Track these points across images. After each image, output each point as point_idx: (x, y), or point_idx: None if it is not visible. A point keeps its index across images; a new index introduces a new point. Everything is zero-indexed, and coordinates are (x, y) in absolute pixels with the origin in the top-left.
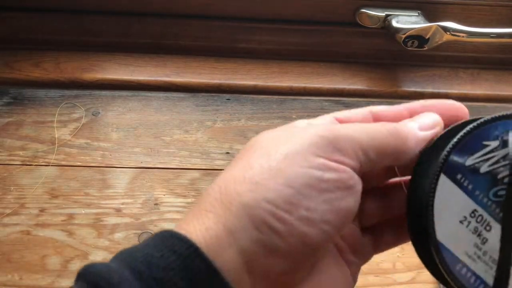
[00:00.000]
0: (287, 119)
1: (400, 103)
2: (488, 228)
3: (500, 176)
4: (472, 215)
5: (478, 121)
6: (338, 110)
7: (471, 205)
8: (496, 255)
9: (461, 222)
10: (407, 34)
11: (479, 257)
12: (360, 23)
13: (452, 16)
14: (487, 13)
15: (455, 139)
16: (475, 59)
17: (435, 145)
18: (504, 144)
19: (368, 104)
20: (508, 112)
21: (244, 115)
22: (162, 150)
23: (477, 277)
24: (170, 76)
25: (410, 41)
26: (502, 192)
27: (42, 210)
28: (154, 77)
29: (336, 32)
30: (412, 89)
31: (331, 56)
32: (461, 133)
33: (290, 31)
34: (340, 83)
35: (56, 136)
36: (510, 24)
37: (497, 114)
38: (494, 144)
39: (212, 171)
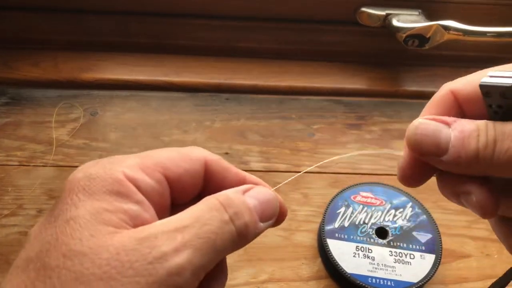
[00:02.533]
0: (287, 119)
1: (400, 102)
2: (370, 250)
3: (357, 222)
4: (357, 249)
5: (330, 201)
6: (338, 109)
7: (352, 245)
8: (384, 262)
9: (354, 256)
10: (407, 33)
11: (376, 268)
12: (361, 22)
13: (453, 15)
14: (488, 12)
15: (322, 218)
16: (476, 58)
17: None
18: (347, 206)
19: (368, 103)
20: (341, 189)
21: (243, 115)
22: None
23: (383, 279)
24: (169, 76)
25: (411, 40)
26: (365, 228)
27: (40, 211)
28: (153, 77)
29: (336, 31)
30: (413, 88)
31: (331, 56)
32: (325, 211)
33: (290, 30)
34: (340, 82)
35: (54, 136)
36: (511, 23)
37: (336, 193)
38: (342, 209)
39: None
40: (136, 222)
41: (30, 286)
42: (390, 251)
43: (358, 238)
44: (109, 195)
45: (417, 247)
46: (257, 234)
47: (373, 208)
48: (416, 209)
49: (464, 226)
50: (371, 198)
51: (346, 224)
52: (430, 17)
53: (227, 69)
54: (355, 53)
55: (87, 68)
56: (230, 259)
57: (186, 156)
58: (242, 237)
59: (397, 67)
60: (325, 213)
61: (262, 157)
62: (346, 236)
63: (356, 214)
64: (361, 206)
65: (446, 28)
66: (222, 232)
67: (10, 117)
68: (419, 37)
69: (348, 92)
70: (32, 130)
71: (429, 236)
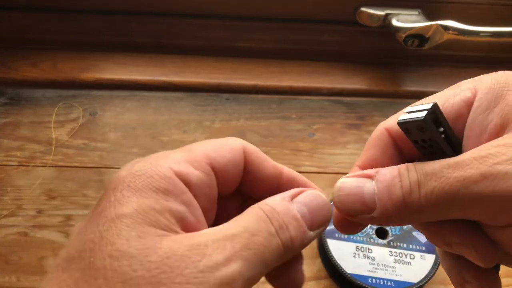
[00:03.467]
0: (287, 119)
1: (400, 102)
2: (370, 251)
3: None
4: (357, 249)
5: (329, 201)
6: (338, 109)
7: (352, 245)
8: (384, 263)
9: (354, 256)
10: (407, 33)
11: (376, 269)
12: (360, 22)
13: (453, 14)
14: (488, 11)
15: None
16: (476, 58)
17: None
18: None
19: (368, 103)
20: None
21: (243, 115)
22: (160, 151)
23: (383, 279)
24: (169, 76)
25: (411, 40)
26: (365, 229)
27: (39, 211)
28: (153, 77)
29: (336, 31)
30: (413, 88)
31: (331, 55)
32: None
33: (289, 30)
34: (340, 82)
35: (54, 136)
36: (510, 22)
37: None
38: None
39: None
40: (183, 224)
41: (73, 287)
42: (390, 251)
43: (358, 238)
44: (156, 192)
45: (417, 247)
46: (306, 243)
47: None
48: None
49: None
50: None
51: None
52: (429, 17)
53: (227, 69)
54: (355, 53)
55: (87, 68)
56: None
57: (228, 146)
58: (288, 249)
59: (397, 67)
60: None
61: None
62: (346, 236)
63: None
64: None
65: (446, 28)
66: (270, 244)
67: (10, 117)
68: (419, 37)
69: (348, 92)
70: (31, 130)
71: None
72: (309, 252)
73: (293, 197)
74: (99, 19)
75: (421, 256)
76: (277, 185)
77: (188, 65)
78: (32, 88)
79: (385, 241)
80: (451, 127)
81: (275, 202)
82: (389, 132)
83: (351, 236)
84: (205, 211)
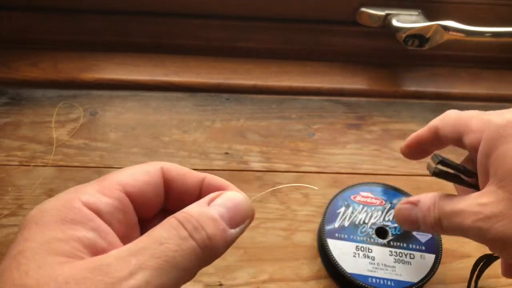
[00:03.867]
0: (287, 119)
1: (400, 102)
2: (370, 250)
3: (357, 221)
4: (357, 249)
5: (330, 201)
6: (338, 109)
7: (352, 244)
8: (384, 262)
9: (354, 256)
10: (407, 33)
11: (376, 268)
12: (360, 22)
13: (453, 15)
14: (488, 12)
15: (322, 218)
16: (476, 58)
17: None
18: (347, 206)
19: (368, 103)
20: (342, 189)
21: (243, 115)
22: (160, 151)
23: (383, 279)
24: (169, 76)
25: (411, 40)
26: (365, 228)
27: None
28: (153, 77)
29: (336, 32)
30: (413, 88)
31: (331, 56)
32: (325, 210)
33: (290, 30)
34: (340, 82)
35: (54, 136)
36: (511, 22)
37: (336, 192)
38: (342, 209)
39: (211, 172)
40: (92, 250)
41: None
42: (390, 251)
43: (358, 238)
44: (61, 223)
45: (417, 247)
46: (229, 242)
47: (373, 208)
48: None
49: None
50: (371, 198)
51: (346, 224)
52: (430, 17)
53: (227, 69)
54: (355, 53)
55: (87, 68)
56: (230, 259)
57: (143, 169)
58: (208, 249)
59: (397, 67)
60: (325, 213)
61: (262, 157)
62: (346, 236)
63: (356, 214)
64: (361, 206)
65: (446, 28)
66: (182, 249)
67: (10, 117)
68: (419, 37)
69: (348, 92)
70: (32, 130)
71: (429, 236)
72: (309, 252)
73: (210, 201)
74: (99, 19)
75: (421, 256)
76: (198, 195)
77: (188, 65)
78: (32, 88)
79: (385, 241)
80: (462, 165)
81: (191, 208)
82: (437, 130)
83: (351, 236)
84: (124, 237)
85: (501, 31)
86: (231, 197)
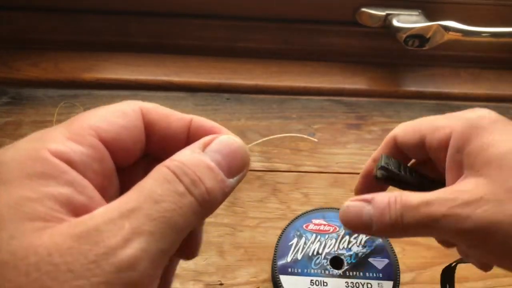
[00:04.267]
0: (287, 119)
1: (400, 102)
2: (325, 284)
3: (310, 253)
4: (312, 283)
5: (281, 232)
6: (339, 109)
7: (306, 279)
8: None
9: None
10: (408, 33)
11: None
12: (361, 22)
13: (453, 15)
14: (488, 12)
15: (274, 252)
16: (476, 58)
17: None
18: (299, 236)
19: (368, 103)
20: (292, 219)
21: (243, 114)
22: None
23: None
24: (170, 76)
25: (411, 41)
26: (319, 260)
27: None
28: (153, 77)
29: (337, 32)
30: (413, 88)
31: (331, 56)
32: (276, 244)
33: (290, 30)
34: (341, 82)
35: None
36: (511, 23)
37: (288, 223)
38: (294, 241)
39: None
40: (71, 208)
41: None
42: (346, 282)
43: (313, 270)
44: (29, 179)
45: (374, 274)
46: (227, 193)
47: (327, 236)
48: None
49: None
50: (324, 225)
51: (299, 256)
52: (430, 17)
53: (228, 69)
54: (355, 53)
55: (88, 68)
56: (231, 258)
57: (118, 111)
58: (206, 204)
59: (397, 67)
60: (276, 246)
61: (263, 156)
62: (299, 270)
63: (309, 245)
64: (314, 235)
65: (446, 28)
66: (180, 207)
67: (11, 117)
68: (419, 37)
69: (348, 92)
70: (33, 130)
71: (385, 261)
72: None
73: (205, 146)
74: (100, 19)
75: (378, 284)
76: (186, 139)
77: (189, 65)
78: (33, 87)
79: (340, 271)
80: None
81: (183, 156)
82: (395, 140)
83: (305, 270)
84: (101, 188)
85: (501, 31)
86: (228, 142)
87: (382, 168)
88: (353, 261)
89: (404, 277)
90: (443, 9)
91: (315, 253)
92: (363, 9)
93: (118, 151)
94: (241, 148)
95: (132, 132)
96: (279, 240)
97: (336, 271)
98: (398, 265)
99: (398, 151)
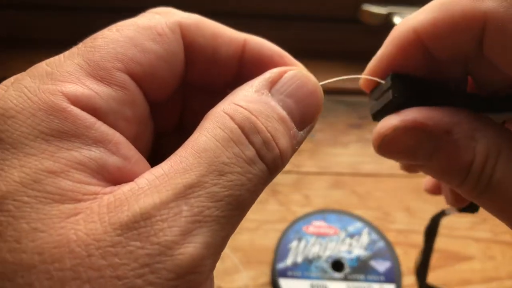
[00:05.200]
0: None
1: None
2: (325, 287)
3: (311, 256)
4: (312, 287)
5: (281, 235)
6: (339, 109)
7: (306, 282)
8: None
9: None
10: None
11: None
12: (362, 20)
13: None
14: None
15: (274, 255)
16: None
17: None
18: (299, 239)
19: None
20: (292, 221)
21: None
22: None
23: None
24: None
25: None
26: (319, 263)
27: None
28: None
29: (338, 30)
30: None
31: (332, 54)
32: (276, 247)
33: (290, 28)
34: (342, 81)
35: None
36: None
37: (287, 225)
38: (294, 243)
39: None
40: (104, 175)
41: None
42: (347, 285)
43: (313, 274)
44: (46, 141)
45: (376, 277)
46: (296, 149)
47: (327, 239)
48: (373, 235)
49: (467, 228)
50: (324, 227)
51: (299, 259)
52: None
53: None
54: (356, 52)
55: None
56: (230, 261)
57: (153, 31)
58: (275, 170)
59: None
60: (276, 249)
61: None
62: (299, 274)
63: (310, 247)
64: (314, 238)
65: None
66: (249, 179)
67: None
68: None
69: (349, 91)
70: None
71: (387, 264)
72: None
73: (271, 84)
74: (97, 17)
75: (380, 287)
76: (237, 67)
77: None
78: None
79: (341, 274)
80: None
81: (249, 99)
82: (418, 35)
83: (305, 273)
84: (135, 139)
85: None
86: (301, 80)
87: (396, 80)
88: (355, 264)
89: (406, 279)
90: None
91: (315, 256)
92: (365, 7)
93: (152, 87)
94: (317, 89)
95: (171, 62)
96: (278, 242)
97: (337, 274)
98: (400, 266)
99: (422, 54)
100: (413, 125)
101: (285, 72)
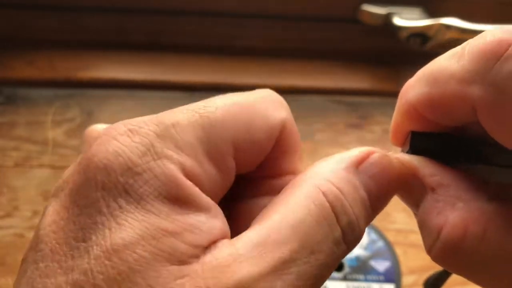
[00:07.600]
0: None
1: None
2: (324, 287)
3: None
4: None
5: None
6: (339, 109)
7: None
8: None
9: None
10: (409, 31)
11: None
12: (362, 20)
13: (456, 13)
14: (491, 10)
15: None
16: None
17: None
18: None
19: (369, 103)
20: None
21: None
22: None
23: None
24: (166, 75)
25: (413, 39)
26: None
27: (35, 213)
28: (150, 76)
29: (337, 30)
30: None
31: (332, 54)
32: None
33: (290, 28)
34: (341, 82)
35: (50, 136)
36: None
37: None
38: None
39: None
40: (210, 238)
41: None
42: (347, 285)
43: None
44: (164, 203)
45: (375, 277)
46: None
47: None
48: (372, 235)
49: None
50: None
51: None
52: (432, 16)
53: (226, 67)
54: (356, 52)
55: (83, 67)
56: None
57: (266, 122)
58: (350, 251)
59: (398, 66)
60: None
61: None
62: None
63: None
64: None
65: (449, 26)
66: (333, 259)
67: (5, 117)
68: (421, 35)
69: (349, 91)
70: (27, 130)
71: (387, 264)
72: None
73: (358, 164)
74: (96, 17)
75: (380, 287)
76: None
77: (186, 64)
78: (28, 87)
79: (341, 275)
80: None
81: (337, 175)
82: (418, 111)
83: None
84: None
85: None
86: (386, 165)
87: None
88: (354, 264)
89: (406, 279)
90: (445, 7)
91: None
92: (364, 7)
93: (242, 170)
94: (396, 176)
95: (262, 148)
96: None
97: (337, 274)
98: (400, 266)
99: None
100: (408, 165)
101: (372, 152)
